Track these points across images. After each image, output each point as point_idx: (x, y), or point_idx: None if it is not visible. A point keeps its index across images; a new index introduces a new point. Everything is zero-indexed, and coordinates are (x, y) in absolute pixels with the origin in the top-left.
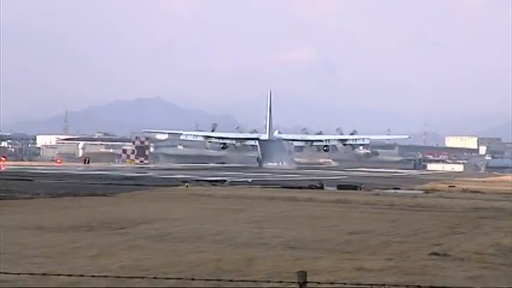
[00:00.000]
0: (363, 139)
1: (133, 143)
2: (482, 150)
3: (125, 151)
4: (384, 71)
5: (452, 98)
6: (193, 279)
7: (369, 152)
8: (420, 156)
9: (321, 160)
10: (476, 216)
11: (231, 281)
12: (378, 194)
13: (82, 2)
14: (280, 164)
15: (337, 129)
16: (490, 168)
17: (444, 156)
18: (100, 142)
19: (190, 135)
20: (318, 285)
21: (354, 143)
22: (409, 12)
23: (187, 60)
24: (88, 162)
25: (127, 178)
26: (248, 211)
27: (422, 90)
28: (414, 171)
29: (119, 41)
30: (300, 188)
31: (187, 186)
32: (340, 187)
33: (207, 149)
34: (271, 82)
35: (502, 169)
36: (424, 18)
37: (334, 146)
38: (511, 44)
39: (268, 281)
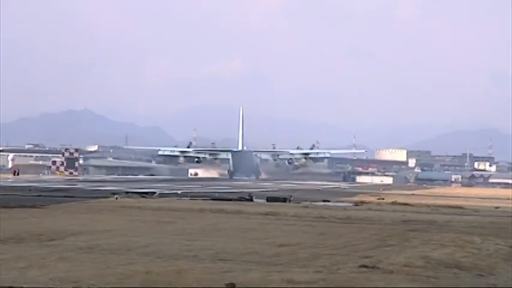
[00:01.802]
0: (324, 153)
1: (63, 154)
2: (412, 162)
3: (54, 163)
4: (316, 83)
5: (383, 110)
6: None
7: (294, 163)
8: (349, 168)
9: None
10: (406, 229)
11: None
12: (307, 207)
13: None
14: (248, 177)
15: (298, 147)
16: (419, 181)
17: (373, 169)
18: (30, 154)
19: (168, 150)
20: None
21: (316, 156)
22: (342, 24)
23: (116, 72)
24: (17, 174)
25: (56, 190)
26: (178, 223)
27: (353, 103)
28: (343, 183)
29: (46, 53)
30: (230, 200)
31: (116, 198)
32: (269, 199)
33: (180, 163)
34: (201, 94)
35: (431, 181)
36: (357, 30)
37: (266, 160)
38: (442, 56)
39: None
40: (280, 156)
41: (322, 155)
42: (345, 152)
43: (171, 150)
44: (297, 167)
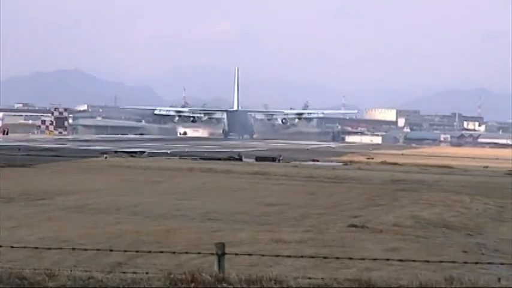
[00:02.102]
0: (317, 113)
1: (52, 114)
2: (401, 122)
3: (43, 122)
4: (307, 44)
5: (372, 70)
6: (111, 250)
7: (288, 124)
8: (339, 128)
9: None
10: (395, 188)
11: (150, 252)
12: (296, 166)
13: None
14: (241, 137)
15: (290, 108)
16: (408, 140)
17: (363, 129)
18: (19, 113)
19: (164, 109)
20: (237, 257)
21: (309, 116)
22: None
23: (105, 31)
24: (7, 133)
25: (46, 149)
26: (167, 183)
27: (343, 63)
28: (333, 143)
29: (38, 12)
30: (219, 159)
31: (106, 157)
32: (258, 159)
33: (175, 123)
34: (190, 54)
35: (420, 141)
36: None
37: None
38: (433, 17)
39: (187, 253)
40: (274, 116)
41: (315, 115)
42: (337, 112)
43: (167, 110)
44: (287, 127)
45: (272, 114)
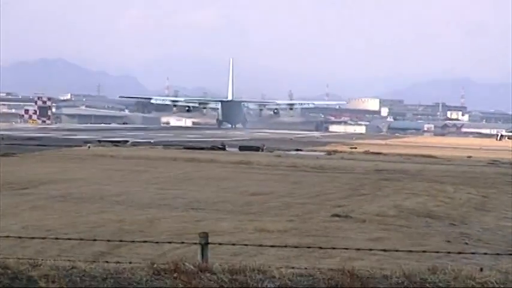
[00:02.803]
0: (308, 104)
1: (36, 103)
2: (384, 112)
3: (27, 111)
4: (292, 33)
5: (356, 60)
6: (94, 239)
7: (271, 113)
8: (322, 117)
9: None
10: (378, 178)
11: (133, 241)
12: (279, 156)
13: None
14: (234, 126)
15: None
16: (392, 130)
17: (346, 118)
18: (2, 102)
19: (160, 99)
20: (220, 247)
21: (301, 107)
22: None
23: (89, 20)
24: None
25: (29, 138)
26: (150, 172)
27: (327, 52)
28: (316, 132)
29: (21, 2)
30: (202, 148)
31: (89, 147)
32: (242, 148)
33: (174, 113)
34: (174, 44)
35: (404, 131)
36: None
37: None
38: (416, 7)
39: (170, 242)
40: (267, 107)
41: (306, 106)
42: (326, 103)
43: (163, 99)
44: (272, 117)
45: (264, 105)
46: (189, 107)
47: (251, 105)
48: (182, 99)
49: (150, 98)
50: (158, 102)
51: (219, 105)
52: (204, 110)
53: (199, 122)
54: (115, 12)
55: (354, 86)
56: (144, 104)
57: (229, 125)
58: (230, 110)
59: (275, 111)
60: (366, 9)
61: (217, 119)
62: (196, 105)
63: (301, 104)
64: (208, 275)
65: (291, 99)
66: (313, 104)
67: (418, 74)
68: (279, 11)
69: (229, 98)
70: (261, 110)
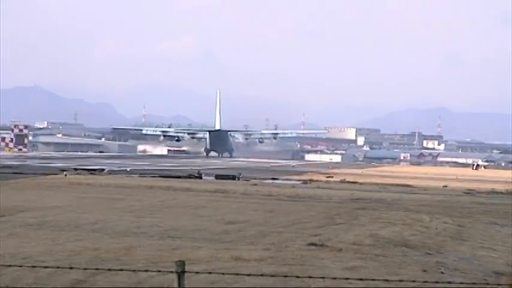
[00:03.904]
0: (291, 133)
1: (12, 131)
2: (361, 141)
3: (3, 139)
4: (267, 62)
5: (332, 89)
6: (71, 267)
7: (242, 141)
8: (298, 146)
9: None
10: (354, 207)
11: (110, 270)
12: (255, 184)
13: None
14: (221, 155)
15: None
16: (368, 159)
17: (322, 147)
18: None
19: (151, 130)
20: (197, 275)
21: (284, 136)
22: (291, 4)
23: (66, 49)
24: None
25: (5, 166)
26: (127, 200)
27: (303, 81)
28: (292, 161)
29: None
30: (179, 177)
31: (65, 175)
32: (218, 177)
33: (160, 142)
34: (151, 72)
35: (380, 160)
36: (308, 8)
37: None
38: (394, 36)
39: (147, 270)
40: (252, 136)
41: (289, 135)
42: (308, 132)
43: (153, 130)
44: (244, 145)
45: (250, 134)
46: (178, 136)
47: (237, 135)
48: (172, 129)
49: (141, 129)
50: (149, 133)
51: (207, 135)
52: (195, 140)
53: (189, 150)
54: (92, 41)
55: (331, 115)
56: (121, 133)
57: (217, 154)
58: (218, 139)
59: (260, 140)
60: (344, 38)
61: (206, 148)
62: (186, 135)
63: (284, 133)
64: None
65: (275, 129)
66: (296, 133)
67: (394, 103)
68: (254, 40)
69: (217, 127)
70: (246, 139)
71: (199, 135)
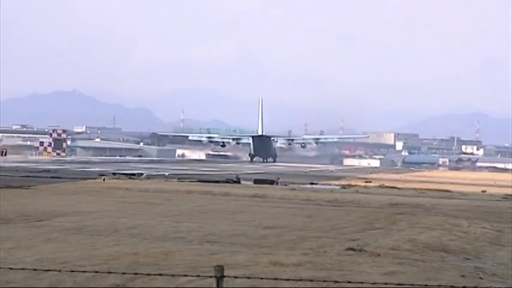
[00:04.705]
0: (332, 138)
1: (51, 135)
2: (399, 146)
3: (42, 143)
4: (306, 67)
5: (371, 94)
6: (109, 272)
7: (285, 146)
8: (337, 151)
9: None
10: (393, 212)
11: (148, 274)
12: (294, 189)
13: None
14: (265, 160)
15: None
16: (406, 164)
17: (361, 152)
18: (17, 134)
19: (197, 136)
20: (235, 279)
21: (325, 141)
22: (333, 8)
23: (105, 53)
24: (5, 154)
25: (44, 170)
26: (165, 205)
27: (342, 86)
28: (331, 166)
29: (36, 34)
30: (217, 182)
31: (104, 179)
32: (256, 181)
33: (204, 146)
34: (189, 77)
35: (419, 165)
36: (348, 14)
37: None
38: (432, 42)
39: (186, 275)
40: (294, 141)
41: (330, 140)
42: (349, 137)
43: (199, 136)
44: (284, 150)
45: (292, 139)
46: (223, 142)
47: (280, 140)
48: (217, 135)
49: (187, 135)
50: (195, 138)
51: (250, 140)
52: (240, 145)
53: (229, 155)
54: (131, 46)
55: (369, 120)
56: (159, 137)
57: (261, 159)
58: (261, 144)
59: (302, 145)
60: (382, 44)
61: (250, 153)
62: (230, 140)
63: (326, 138)
64: None
65: (320, 134)
66: (337, 138)
67: (433, 108)
68: (294, 45)
69: (260, 133)
70: (289, 144)
71: (244, 140)
